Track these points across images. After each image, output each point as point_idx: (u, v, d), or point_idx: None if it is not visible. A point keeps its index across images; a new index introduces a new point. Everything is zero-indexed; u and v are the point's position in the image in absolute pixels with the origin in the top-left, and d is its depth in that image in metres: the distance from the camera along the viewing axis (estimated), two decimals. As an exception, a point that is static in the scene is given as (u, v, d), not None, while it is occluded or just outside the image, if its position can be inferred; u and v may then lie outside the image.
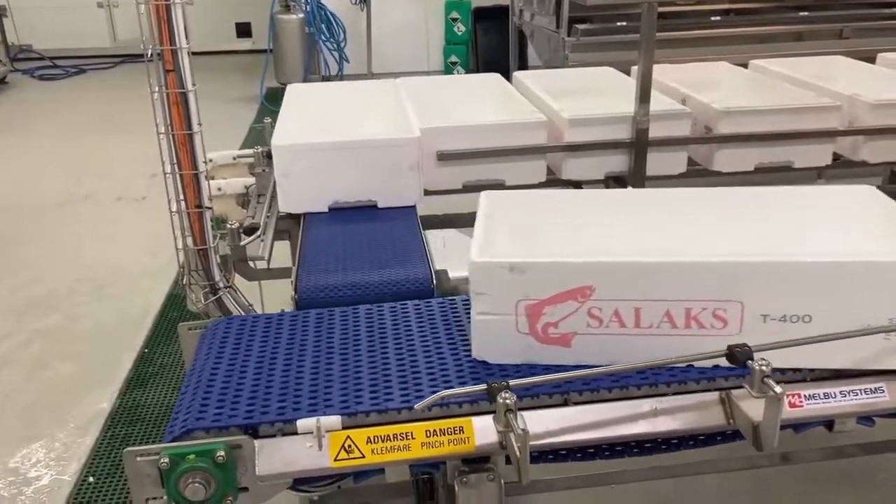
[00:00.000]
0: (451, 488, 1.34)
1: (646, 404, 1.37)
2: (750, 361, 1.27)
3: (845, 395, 1.39)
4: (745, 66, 2.96)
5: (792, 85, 2.61)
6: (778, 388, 1.24)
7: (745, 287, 1.36)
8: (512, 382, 1.27)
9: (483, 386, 1.27)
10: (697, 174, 2.43)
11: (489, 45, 7.53)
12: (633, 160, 2.29)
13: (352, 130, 2.30)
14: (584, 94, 2.71)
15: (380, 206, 2.10)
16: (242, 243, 1.95)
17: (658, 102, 2.33)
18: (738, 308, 1.36)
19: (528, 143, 2.28)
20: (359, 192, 2.09)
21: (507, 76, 2.89)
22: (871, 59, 2.98)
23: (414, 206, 2.12)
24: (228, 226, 1.92)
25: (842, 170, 2.45)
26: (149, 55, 1.61)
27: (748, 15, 4.50)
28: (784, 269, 1.35)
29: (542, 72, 3.11)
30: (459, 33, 8.22)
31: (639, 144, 2.27)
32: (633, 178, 2.30)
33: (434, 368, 1.44)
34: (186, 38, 1.61)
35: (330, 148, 2.08)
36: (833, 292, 1.35)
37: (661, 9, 2.19)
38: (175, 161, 1.67)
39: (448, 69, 8.30)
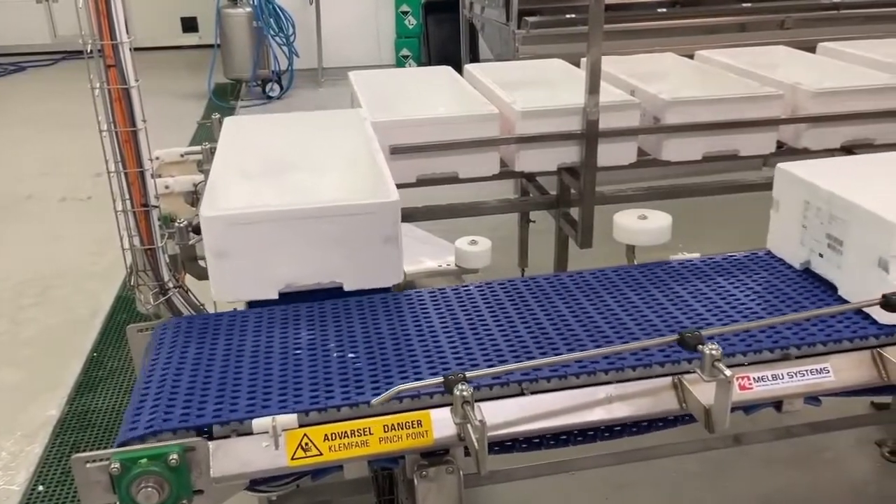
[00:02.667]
0: (411, 482, 1.34)
1: (601, 391, 1.38)
2: (700, 346, 1.30)
3: (792, 377, 1.43)
4: (691, 56, 3.01)
5: (736, 75, 2.67)
6: (728, 372, 1.27)
7: None
8: (469, 374, 1.27)
9: (440, 379, 1.27)
10: (647, 164, 2.47)
11: (441, 38, 7.52)
12: (584, 151, 2.31)
13: (309, 192, 1.86)
14: (535, 86, 2.73)
15: (346, 288, 1.67)
16: (191, 242, 1.91)
17: (607, 94, 2.35)
18: None
19: (480, 136, 2.28)
20: (318, 273, 1.65)
21: (459, 69, 2.89)
22: (811, 49, 3.06)
23: (390, 289, 1.70)
24: (177, 224, 1.89)
25: (786, 157, 2.51)
26: (88, 50, 1.56)
27: (693, 6, 4.58)
28: None
29: (493, 64, 3.12)
30: (410, 26, 8.20)
31: (590, 135, 2.29)
32: (585, 168, 2.32)
33: (390, 362, 1.43)
34: (128, 32, 1.57)
35: (280, 218, 1.60)
36: None
37: (608, 0, 2.22)
38: (119, 159, 1.63)
39: (400, 63, 8.27)
